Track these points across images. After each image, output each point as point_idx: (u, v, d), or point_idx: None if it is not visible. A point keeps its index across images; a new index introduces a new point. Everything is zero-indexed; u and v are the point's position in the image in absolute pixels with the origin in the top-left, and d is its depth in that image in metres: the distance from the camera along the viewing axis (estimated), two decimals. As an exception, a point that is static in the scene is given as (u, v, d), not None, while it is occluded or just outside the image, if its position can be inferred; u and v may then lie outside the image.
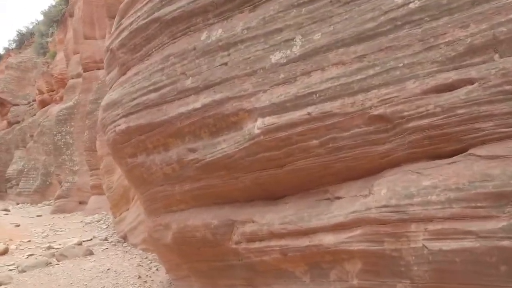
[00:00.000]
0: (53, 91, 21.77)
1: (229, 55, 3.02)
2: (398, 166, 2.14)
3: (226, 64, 3.01)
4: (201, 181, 3.24)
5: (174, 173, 3.47)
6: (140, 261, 6.74)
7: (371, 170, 2.25)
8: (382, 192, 2.06)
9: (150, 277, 5.83)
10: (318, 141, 2.34)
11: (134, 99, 3.75)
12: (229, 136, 2.93)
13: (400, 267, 2.01)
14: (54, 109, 20.65)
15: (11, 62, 26.57)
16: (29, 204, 19.55)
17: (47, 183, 19.57)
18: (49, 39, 22.58)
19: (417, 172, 2.02)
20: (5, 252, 8.30)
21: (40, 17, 25.63)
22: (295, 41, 2.62)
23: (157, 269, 6.17)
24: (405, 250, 1.97)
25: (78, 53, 16.78)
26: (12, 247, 8.85)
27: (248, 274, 3.06)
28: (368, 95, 2.15)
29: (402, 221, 1.96)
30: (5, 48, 28.49)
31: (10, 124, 26.14)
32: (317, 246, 2.30)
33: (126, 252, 7.73)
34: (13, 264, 7.39)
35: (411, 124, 2.04)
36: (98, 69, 15.54)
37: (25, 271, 6.57)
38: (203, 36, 3.27)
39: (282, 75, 2.61)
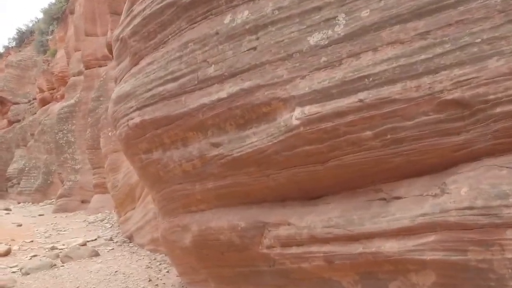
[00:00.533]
0: (53, 89, 21.41)
1: (257, 39, 2.69)
2: (478, 160, 1.82)
3: (254, 48, 2.69)
4: (226, 179, 2.92)
5: (194, 170, 3.15)
6: (149, 263, 6.41)
7: (439, 165, 1.93)
8: (463, 191, 1.74)
9: (161, 279, 5.51)
10: (372, 132, 2.02)
11: (149, 90, 3.42)
12: (260, 128, 2.61)
13: (489, 281, 1.69)
14: (55, 107, 20.30)
15: (11, 61, 26.18)
16: (30, 203, 19.20)
17: (48, 182, 19.23)
18: (49, 37, 22.18)
19: (507, 167, 1.70)
20: (7, 253, 7.96)
21: (40, 15, 25.21)
22: (338, 20, 2.30)
23: (167, 271, 5.85)
24: (497, 261, 1.65)
25: (79, 50, 16.42)
26: (14, 247, 8.52)
27: (280, 282, 2.74)
28: (437, 77, 1.83)
29: (494, 226, 1.64)
30: (5, 47, 28.09)
31: (10, 123, 25.77)
32: (373, 254, 1.99)
33: (133, 253, 7.40)
34: (16, 266, 7.06)
35: (498, 110, 1.72)
36: (100, 66, 15.21)
37: (29, 274, 6.25)
38: (227, 19, 2.94)
39: (323, 58, 2.29)
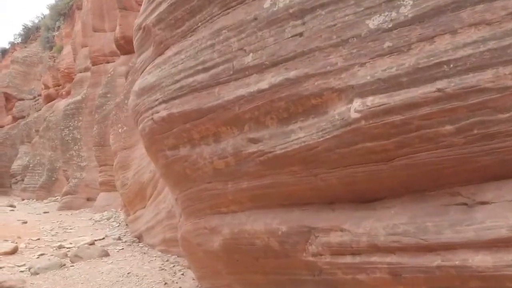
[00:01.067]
0: (59, 85, 21.22)
1: (304, 23, 2.42)
2: None
3: (300, 34, 2.41)
4: (265, 178, 2.65)
5: (227, 169, 2.88)
6: (162, 264, 6.15)
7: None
8: None
9: (176, 283, 5.25)
10: (454, 127, 1.75)
11: (177, 81, 3.15)
12: (308, 122, 2.34)
13: None
14: (60, 104, 20.08)
15: (17, 57, 25.98)
16: (34, 200, 19.00)
17: (53, 179, 19.01)
18: (56, 33, 21.96)
19: None
20: (14, 251, 7.72)
21: (46, 11, 24.97)
22: (403, 1, 2.02)
23: (182, 274, 5.59)
24: None
25: (86, 46, 16.19)
26: (21, 245, 8.27)
27: (325, 292, 2.47)
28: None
29: None
30: (10, 43, 27.88)
31: (15, 119, 25.56)
32: (457, 268, 1.71)
33: (144, 253, 7.14)
34: (24, 265, 6.81)
35: None
36: (108, 62, 14.98)
37: (38, 274, 5.99)
38: (266, 3, 2.67)
39: (388, 44, 2.02)
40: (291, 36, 2.47)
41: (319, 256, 2.36)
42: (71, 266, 6.37)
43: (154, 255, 6.87)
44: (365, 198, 2.29)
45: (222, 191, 3.01)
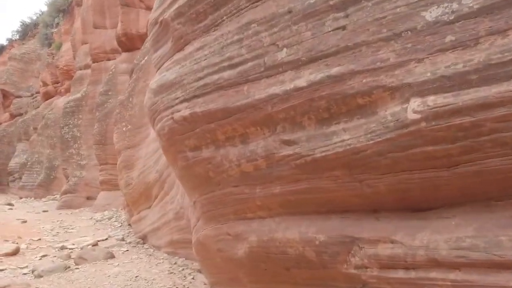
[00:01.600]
0: (58, 83, 20.93)
1: (347, 16, 2.22)
2: None
3: (343, 28, 2.21)
4: (300, 183, 2.45)
5: (257, 172, 2.67)
6: (170, 267, 5.94)
7: None
8: None
9: (187, 287, 5.04)
10: (535, 130, 1.56)
11: (200, 78, 2.95)
12: (352, 124, 2.14)
13: None
14: (59, 101, 19.80)
15: (14, 53, 25.62)
16: (32, 199, 18.71)
17: (51, 177, 18.72)
18: (54, 30, 21.64)
19: None
20: (16, 252, 7.49)
21: (44, 8, 24.62)
22: (466, -8, 1.83)
23: (193, 278, 5.39)
24: None
25: (87, 43, 15.92)
26: (22, 246, 8.04)
27: (367, 307, 2.27)
28: None
29: None
30: (8, 39, 27.49)
31: (12, 116, 25.22)
32: (542, 288, 1.53)
33: (150, 255, 6.93)
34: (26, 266, 6.59)
35: None
36: (108, 59, 14.72)
37: (42, 276, 5.77)
38: (302, -5, 2.46)
39: (450, 38, 1.82)
40: (332, 30, 2.26)
41: (363, 268, 2.17)
42: (76, 268, 6.15)
43: (161, 257, 6.66)
44: (416, 207, 2.09)
45: (249, 196, 2.81)
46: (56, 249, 7.98)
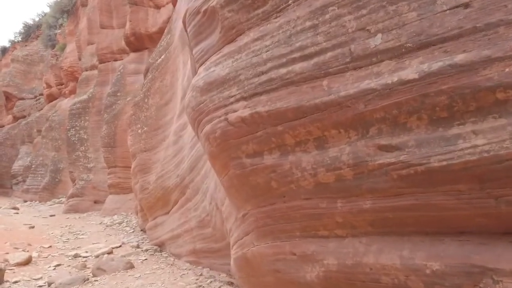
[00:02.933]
0: (62, 84, 20.44)
1: (469, -8, 1.76)
2: None
3: (466, 5, 1.76)
4: (403, 198, 1.99)
5: (339, 183, 2.21)
6: (197, 279, 5.47)
7: None
8: None
9: (221, 303, 4.57)
10: None
11: (263, 73, 2.49)
12: (489, 125, 1.68)
13: None
14: (64, 103, 19.33)
15: (17, 55, 25.09)
16: (37, 202, 18.21)
17: (57, 180, 18.21)
18: (58, 31, 21.14)
19: None
20: (28, 261, 7.00)
21: (47, 9, 24.11)
22: None
23: (224, 292, 4.91)
24: None
25: (93, 43, 15.44)
26: (33, 254, 7.55)
27: None
28: None
29: None
30: (10, 41, 26.94)
31: (15, 118, 24.70)
32: None
33: (172, 265, 6.45)
34: (41, 278, 6.11)
35: None
36: (116, 60, 14.26)
37: (59, 291, 5.29)
38: (400, -30, 2.01)
39: None
40: (449, 9, 1.81)
41: (499, 306, 1.71)
42: (95, 280, 5.67)
43: (184, 268, 6.19)
44: None
45: (326, 211, 2.34)
46: (69, 258, 7.50)
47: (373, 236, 2.20)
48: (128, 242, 8.58)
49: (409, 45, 1.91)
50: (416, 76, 1.84)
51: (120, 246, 8.39)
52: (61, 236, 9.88)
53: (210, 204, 5.19)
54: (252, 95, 2.53)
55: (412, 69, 1.87)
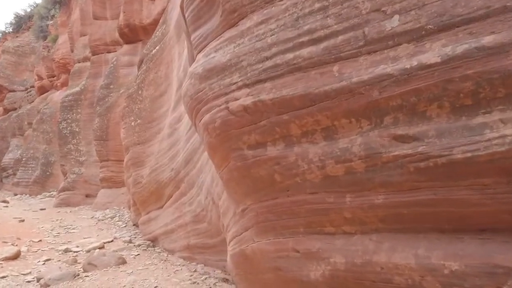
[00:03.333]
0: (53, 76, 20.09)
1: (497, -31, 1.61)
2: None
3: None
4: (419, 193, 1.84)
5: (349, 176, 2.06)
6: (191, 276, 5.31)
7: None
8: None
9: (217, 301, 4.42)
10: None
11: (267, 58, 2.32)
12: (516, 113, 1.53)
13: None
14: (55, 95, 19.02)
15: (8, 46, 24.63)
16: (28, 195, 17.91)
17: (47, 173, 17.90)
18: (50, 22, 20.75)
19: None
20: (17, 256, 6.79)
21: (39, 0, 23.65)
22: None
23: (220, 289, 4.76)
24: None
25: (85, 35, 15.15)
26: (23, 248, 7.34)
27: None
28: None
29: None
30: (1, 32, 26.42)
31: (6, 111, 24.29)
32: None
33: (165, 261, 6.28)
34: (30, 273, 5.92)
35: None
36: (109, 52, 13.99)
37: (49, 286, 5.10)
38: None
39: None
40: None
41: (527, 310, 1.57)
42: (85, 276, 5.48)
43: (178, 264, 6.02)
44: None
45: (334, 206, 2.19)
46: (60, 252, 7.30)
47: (385, 233, 2.05)
48: (120, 237, 8.39)
49: (430, 27, 1.76)
50: (438, 60, 1.69)
51: (112, 241, 8.20)
52: (51, 230, 9.66)
53: (206, 198, 5.02)
54: (256, 82, 2.36)
55: (433, 52, 1.72)
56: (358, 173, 2.01)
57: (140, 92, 7.53)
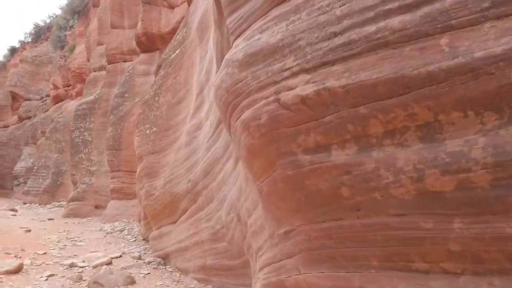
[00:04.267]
0: (69, 86, 19.77)
1: None
2: None
3: None
4: None
5: (462, 193, 1.43)
6: (208, 301, 4.64)
7: None
8: None
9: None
10: None
11: (336, 34, 1.72)
12: None
13: None
14: (70, 104, 18.66)
15: (26, 56, 24.52)
16: (37, 205, 17.39)
17: (58, 182, 17.41)
18: (68, 32, 20.56)
19: None
20: (19, 269, 6.16)
21: (58, 11, 23.57)
22: None
23: (242, 320, 4.09)
24: None
25: (102, 44, 14.79)
26: (26, 261, 6.72)
27: None
28: None
29: None
30: (20, 41, 26.36)
31: (21, 119, 24.02)
32: None
33: (177, 282, 5.63)
34: (31, 290, 5.29)
35: None
36: (125, 61, 13.57)
37: (49, 308, 4.47)
38: None
39: None
40: None
41: None
42: (90, 297, 4.84)
43: (191, 286, 5.37)
44: None
45: (432, 234, 1.55)
46: (65, 267, 6.66)
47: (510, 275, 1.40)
48: (129, 252, 7.76)
49: None
50: None
51: (120, 256, 7.56)
52: (57, 242, 9.05)
53: (228, 214, 4.39)
54: (319, 66, 1.76)
55: None
56: (479, 188, 1.38)
57: (156, 98, 6.98)
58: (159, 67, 7.26)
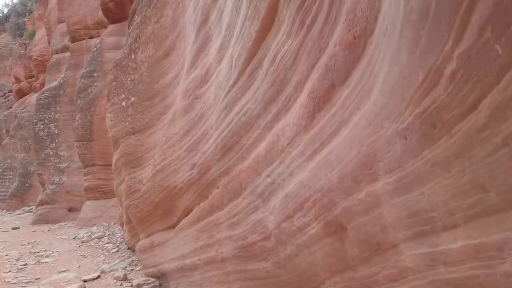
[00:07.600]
0: (32, 77, 17.10)
1: None
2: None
3: None
4: None
5: None
6: None
7: None
8: None
9: None
10: None
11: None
12: None
13: None
14: (34, 98, 16.00)
15: (-17, 49, 21.45)
16: (4, 211, 14.85)
17: (26, 185, 14.92)
18: (26, 18, 17.74)
19: None
20: None
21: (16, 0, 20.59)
22: None
23: None
24: None
25: (63, 21, 12.25)
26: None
27: None
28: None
29: None
30: (-24, 35, 23.15)
31: (-18, 119, 21.01)
32: None
33: (187, 322, 3.46)
34: None
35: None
36: (91, 37, 11.14)
37: None
38: None
39: None
40: None
41: None
42: None
43: (212, 331, 3.22)
44: None
45: None
46: (16, 304, 4.41)
47: None
48: (110, 270, 5.53)
49: None
50: None
51: (98, 277, 5.35)
52: (17, 259, 6.74)
53: (273, 215, 2.25)
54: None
55: None
56: None
57: (133, 56, 4.73)
58: (133, 13, 4.98)
